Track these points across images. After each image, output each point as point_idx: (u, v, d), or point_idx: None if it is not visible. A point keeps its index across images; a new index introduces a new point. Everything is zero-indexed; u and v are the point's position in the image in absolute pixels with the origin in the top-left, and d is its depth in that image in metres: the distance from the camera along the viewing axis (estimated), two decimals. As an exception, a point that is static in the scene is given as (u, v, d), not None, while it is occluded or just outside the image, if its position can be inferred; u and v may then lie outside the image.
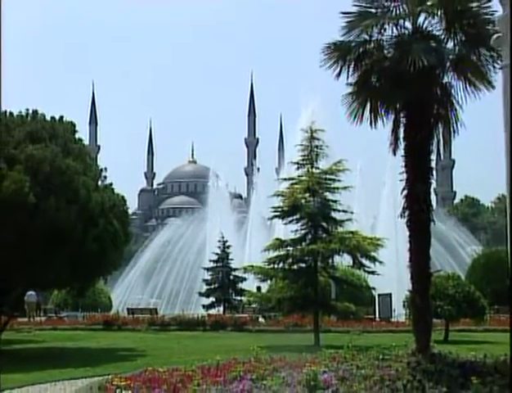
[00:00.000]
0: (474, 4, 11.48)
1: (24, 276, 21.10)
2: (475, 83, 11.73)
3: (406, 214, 12.05)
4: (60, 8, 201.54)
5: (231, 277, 43.42)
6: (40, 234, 18.94)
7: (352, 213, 25.31)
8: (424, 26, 11.96)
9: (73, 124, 23.33)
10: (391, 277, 37.34)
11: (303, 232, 24.00)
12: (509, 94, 3.50)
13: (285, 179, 26.28)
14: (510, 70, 3.28)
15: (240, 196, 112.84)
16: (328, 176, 24.07)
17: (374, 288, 30.07)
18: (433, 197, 13.81)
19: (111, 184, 23.65)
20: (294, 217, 24.06)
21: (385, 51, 12.11)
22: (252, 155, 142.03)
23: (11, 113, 22.29)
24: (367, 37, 11.94)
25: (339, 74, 12.05)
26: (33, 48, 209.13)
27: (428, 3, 11.59)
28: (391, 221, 41.34)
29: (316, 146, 24.14)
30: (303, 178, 24.28)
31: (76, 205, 20.08)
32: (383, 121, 12.30)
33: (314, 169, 24.20)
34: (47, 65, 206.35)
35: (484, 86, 11.71)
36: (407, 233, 12.17)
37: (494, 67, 11.44)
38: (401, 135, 12.21)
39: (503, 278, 27.48)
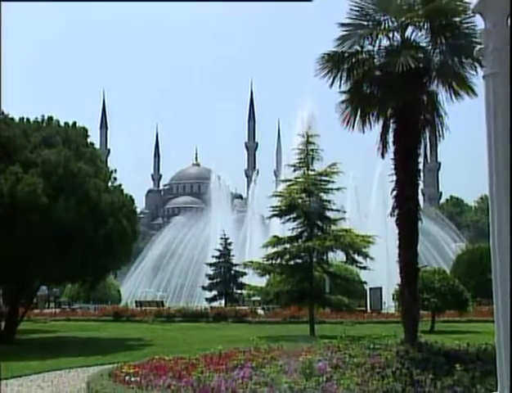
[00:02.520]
0: (458, 18, 11.50)
1: (39, 271, 21.12)
2: (459, 91, 11.75)
3: (396, 213, 12.05)
4: (72, 19, 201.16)
5: (232, 272, 43.45)
6: (53, 233, 18.95)
7: (345, 212, 25.37)
8: (412, 38, 11.99)
9: (85, 129, 23.34)
10: (381, 271, 37.29)
11: (299, 230, 24.01)
12: (491, 101, 3.54)
13: (282, 181, 26.32)
14: (510, 75, 3.34)
15: (240, 197, 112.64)
16: (323, 178, 24.09)
17: (365, 282, 30.10)
18: (420, 197, 13.82)
19: (120, 185, 23.65)
20: (291, 216, 24.08)
21: (376, 61, 12.12)
22: (252, 158, 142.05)
23: (27, 119, 22.31)
24: (359, 48, 11.94)
25: (332, 83, 12.05)
26: (48, 58, 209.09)
27: (416, 15, 11.60)
28: (381, 220, 41.30)
29: (312, 150, 24.16)
30: (300, 179, 24.29)
31: (87, 206, 20.09)
32: (370, 126, 12.31)
33: (310, 171, 24.21)
34: (60, 73, 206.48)
35: (467, 94, 11.73)
36: (397, 231, 12.18)
37: (475, 75, 11.47)
38: (391, 140, 12.22)
39: (485, 272, 27.51)
